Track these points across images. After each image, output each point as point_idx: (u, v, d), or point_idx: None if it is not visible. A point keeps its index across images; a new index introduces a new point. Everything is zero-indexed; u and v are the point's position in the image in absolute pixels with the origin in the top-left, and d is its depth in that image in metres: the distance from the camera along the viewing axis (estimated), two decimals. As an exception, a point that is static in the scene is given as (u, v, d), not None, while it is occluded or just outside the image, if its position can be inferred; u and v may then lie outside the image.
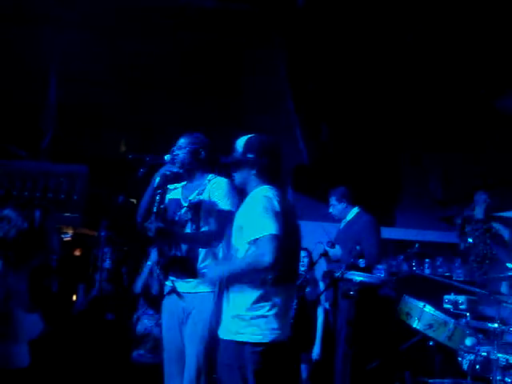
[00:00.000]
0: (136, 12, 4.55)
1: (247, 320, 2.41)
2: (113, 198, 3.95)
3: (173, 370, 3.02)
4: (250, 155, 2.58)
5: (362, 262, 4.17)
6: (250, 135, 2.67)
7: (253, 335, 2.39)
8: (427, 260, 5.70)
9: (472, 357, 3.12)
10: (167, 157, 3.17)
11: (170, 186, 3.25)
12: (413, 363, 3.58)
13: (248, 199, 2.58)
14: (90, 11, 4.58)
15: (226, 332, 2.49)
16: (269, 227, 2.37)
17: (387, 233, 4.78)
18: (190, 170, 3.14)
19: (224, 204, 3.01)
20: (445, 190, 6.03)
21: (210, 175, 3.15)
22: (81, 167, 5.01)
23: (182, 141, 3.16)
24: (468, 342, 3.21)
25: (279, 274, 2.41)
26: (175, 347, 3.01)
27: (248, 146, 2.61)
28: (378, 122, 5.70)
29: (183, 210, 3.06)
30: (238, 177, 2.64)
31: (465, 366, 3.16)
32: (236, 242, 2.53)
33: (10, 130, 5.37)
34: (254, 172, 2.59)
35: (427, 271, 5.59)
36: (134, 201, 6.56)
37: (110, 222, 3.69)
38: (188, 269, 2.97)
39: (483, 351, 3.12)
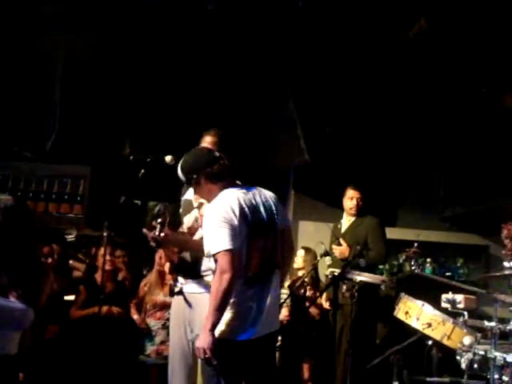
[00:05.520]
0: (141, 14, 4.60)
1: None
2: (115, 198, 3.99)
3: (177, 368, 3.05)
4: (193, 175, 2.70)
5: (362, 262, 4.21)
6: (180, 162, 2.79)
7: (218, 330, 2.51)
8: (428, 260, 5.70)
9: (470, 355, 3.13)
10: (168, 157, 3.24)
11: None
12: (411, 362, 3.59)
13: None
14: (93, 13, 4.63)
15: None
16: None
17: (389, 233, 4.79)
18: None
19: None
20: (447, 190, 6.02)
21: None
22: (84, 168, 5.09)
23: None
24: (466, 340, 3.22)
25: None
26: (180, 346, 3.05)
27: (184, 170, 2.73)
28: (380, 121, 5.71)
29: (193, 216, 3.10)
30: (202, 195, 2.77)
31: (463, 365, 3.17)
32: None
33: (15, 131, 5.43)
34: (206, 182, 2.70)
35: (428, 271, 5.59)
36: (138, 202, 6.63)
37: (111, 223, 3.74)
38: (193, 271, 3.03)
39: (481, 350, 3.13)
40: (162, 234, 2.90)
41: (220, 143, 3.10)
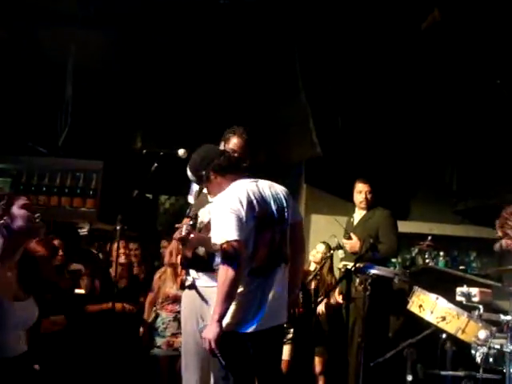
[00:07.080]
0: (152, 8, 4.60)
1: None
2: (128, 192, 4.02)
3: (190, 361, 3.06)
4: (201, 172, 2.76)
5: (376, 255, 4.20)
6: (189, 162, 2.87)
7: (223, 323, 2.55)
8: (441, 253, 5.67)
9: (485, 349, 3.10)
10: (181, 151, 3.26)
11: None
12: (425, 355, 3.57)
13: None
14: (105, 8, 4.65)
15: None
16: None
17: (401, 226, 4.77)
18: None
19: None
20: (460, 183, 5.98)
21: None
22: (96, 162, 5.11)
23: None
24: (481, 334, 3.19)
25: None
26: (194, 339, 3.05)
27: (193, 169, 2.81)
28: (392, 114, 5.67)
29: (207, 211, 3.08)
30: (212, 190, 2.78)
31: (478, 359, 3.14)
32: None
33: (28, 126, 5.47)
34: (215, 175, 2.74)
35: (441, 264, 5.56)
36: (150, 196, 6.65)
37: (124, 217, 3.77)
38: (206, 265, 3.04)
39: (496, 344, 3.10)
40: (192, 236, 2.92)
41: (246, 146, 3.06)
